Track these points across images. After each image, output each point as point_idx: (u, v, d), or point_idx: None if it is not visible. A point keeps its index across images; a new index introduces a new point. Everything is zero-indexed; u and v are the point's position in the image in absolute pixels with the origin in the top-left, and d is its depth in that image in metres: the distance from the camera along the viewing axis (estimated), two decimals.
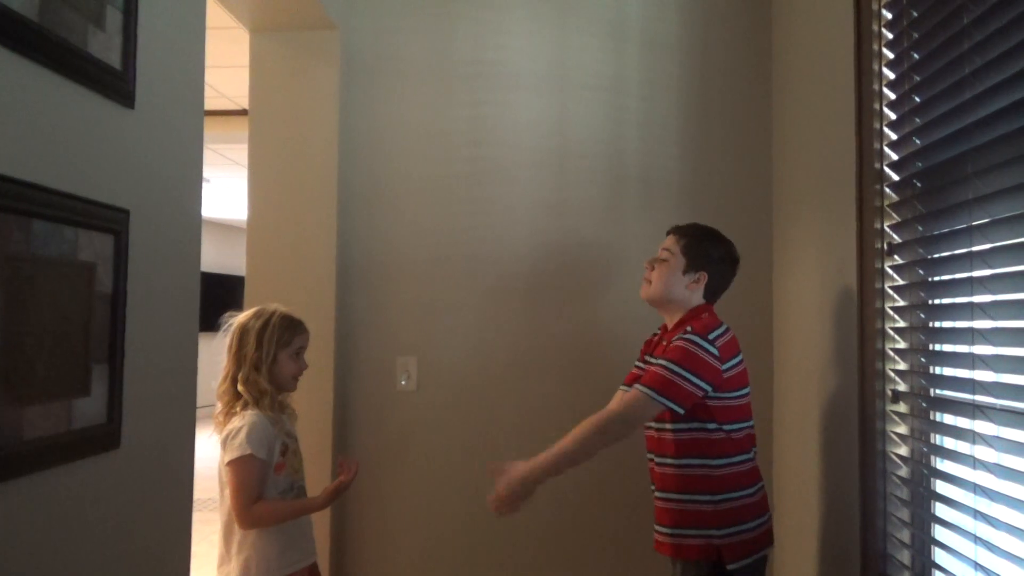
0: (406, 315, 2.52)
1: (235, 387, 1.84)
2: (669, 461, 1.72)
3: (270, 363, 1.84)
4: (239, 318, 1.90)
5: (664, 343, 1.76)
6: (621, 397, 1.64)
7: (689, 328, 1.68)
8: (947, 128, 1.32)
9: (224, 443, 1.79)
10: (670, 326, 1.80)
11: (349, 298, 2.53)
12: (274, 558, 1.79)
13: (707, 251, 1.79)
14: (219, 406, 1.87)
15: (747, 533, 1.67)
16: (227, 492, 1.78)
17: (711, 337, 1.66)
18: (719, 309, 1.77)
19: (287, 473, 1.86)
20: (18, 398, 0.98)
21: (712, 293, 1.81)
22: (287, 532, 1.82)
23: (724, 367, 1.66)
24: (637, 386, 1.63)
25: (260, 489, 1.77)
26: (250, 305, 1.95)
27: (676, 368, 1.61)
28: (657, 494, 1.77)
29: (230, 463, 1.75)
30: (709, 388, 1.63)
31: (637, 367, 1.86)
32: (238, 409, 1.82)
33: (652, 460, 1.78)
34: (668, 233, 1.85)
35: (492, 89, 2.53)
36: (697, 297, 1.78)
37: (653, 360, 1.68)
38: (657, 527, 1.76)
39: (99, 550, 1.16)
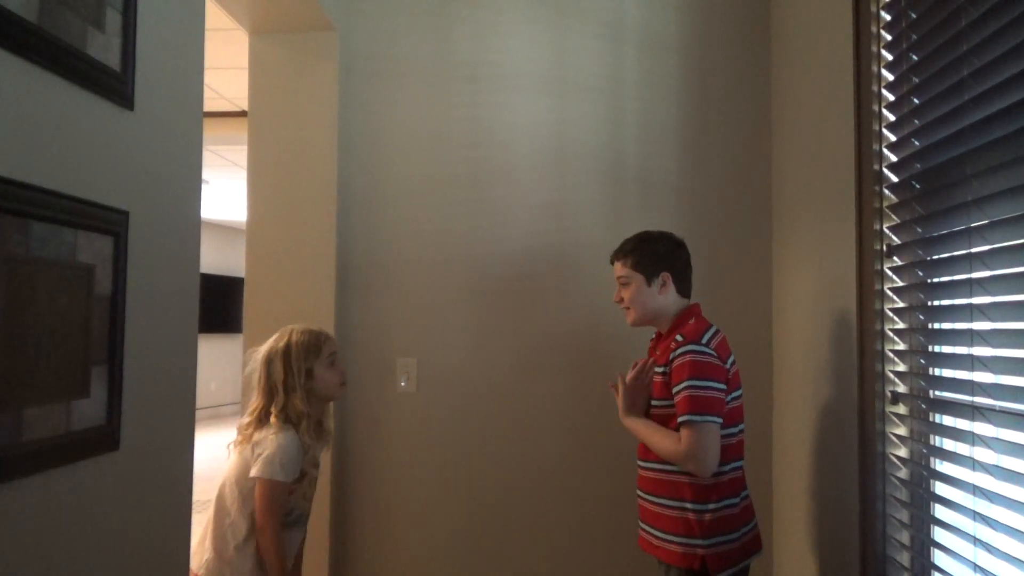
0: (406, 317, 2.52)
1: (261, 418, 1.83)
2: (658, 466, 1.71)
3: (304, 380, 1.84)
4: (261, 349, 1.89)
5: (658, 350, 1.78)
6: (675, 441, 1.63)
7: (679, 336, 1.69)
8: (946, 130, 1.32)
9: (254, 453, 1.79)
10: (664, 333, 1.82)
11: (349, 300, 2.53)
12: None
13: (653, 253, 1.79)
14: (238, 436, 1.87)
15: (732, 543, 1.66)
16: (235, 488, 1.80)
17: (704, 340, 1.67)
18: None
19: (295, 499, 1.85)
20: (17, 399, 0.98)
21: (683, 283, 1.81)
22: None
23: (726, 365, 1.68)
24: (679, 420, 1.61)
25: (284, 511, 1.81)
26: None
27: (696, 383, 1.61)
28: (642, 495, 1.77)
29: (260, 480, 1.77)
30: (725, 387, 1.64)
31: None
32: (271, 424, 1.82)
33: (641, 467, 1.78)
34: (612, 262, 1.86)
35: (491, 90, 2.53)
36: (673, 296, 1.79)
37: (676, 389, 1.65)
38: (642, 525, 1.77)
39: (98, 552, 1.16)
